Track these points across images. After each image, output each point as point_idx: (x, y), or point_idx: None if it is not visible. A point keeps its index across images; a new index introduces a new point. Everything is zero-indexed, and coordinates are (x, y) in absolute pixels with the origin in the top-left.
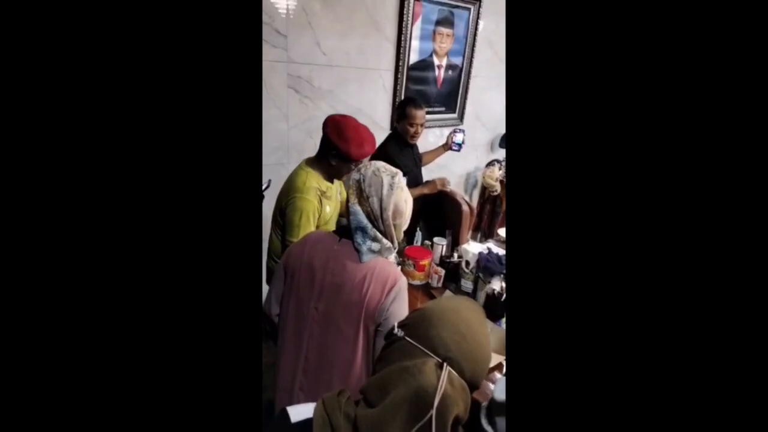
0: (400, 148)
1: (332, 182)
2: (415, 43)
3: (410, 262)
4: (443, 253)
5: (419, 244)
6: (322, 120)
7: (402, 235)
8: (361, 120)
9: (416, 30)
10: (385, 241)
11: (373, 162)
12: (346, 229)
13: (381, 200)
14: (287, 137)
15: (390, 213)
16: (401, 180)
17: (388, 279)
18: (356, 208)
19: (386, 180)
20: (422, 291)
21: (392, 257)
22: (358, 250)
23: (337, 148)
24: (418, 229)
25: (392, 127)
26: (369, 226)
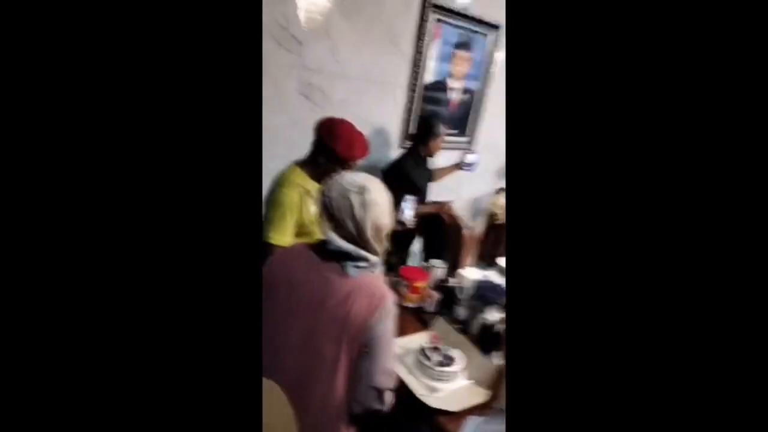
0: (417, 165)
1: (320, 183)
2: (432, 63)
3: (405, 283)
4: (440, 277)
5: (417, 264)
6: None
7: (387, 241)
8: (369, 133)
9: (434, 50)
10: (372, 257)
11: (337, 179)
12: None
13: (356, 222)
14: (296, 145)
15: (369, 232)
16: (373, 193)
17: (374, 295)
18: (332, 235)
19: (356, 200)
20: (415, 315)
21: (378, 270)
22: (342, 266)
23: (326, 146)
24: (421, 248)
25: (412, 145)
26: (351, 248)
